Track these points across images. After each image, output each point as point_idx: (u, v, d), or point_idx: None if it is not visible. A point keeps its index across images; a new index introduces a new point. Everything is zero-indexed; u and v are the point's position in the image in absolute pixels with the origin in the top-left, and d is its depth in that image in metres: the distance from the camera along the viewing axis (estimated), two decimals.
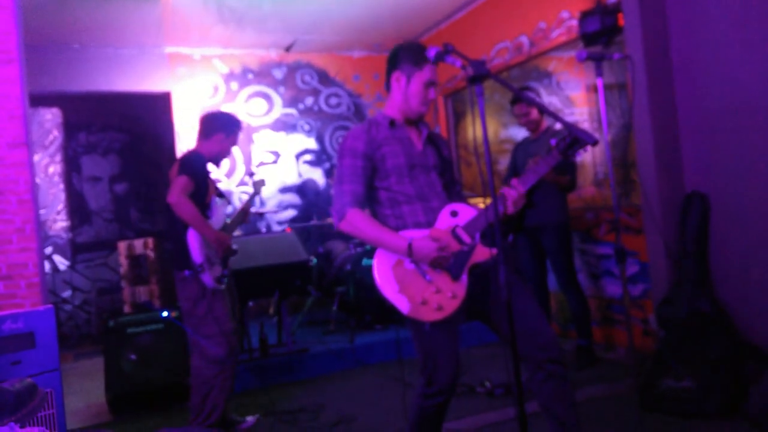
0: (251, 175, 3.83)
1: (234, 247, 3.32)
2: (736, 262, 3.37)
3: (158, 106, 6.33)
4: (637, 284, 4.09)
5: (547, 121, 4.10)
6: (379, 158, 2.30)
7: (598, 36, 3.98)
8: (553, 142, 2.21)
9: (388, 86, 2.39)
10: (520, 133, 5.36)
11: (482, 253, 2.21)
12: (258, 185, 3.68)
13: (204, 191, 3.19)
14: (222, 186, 6.32)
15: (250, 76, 6.59)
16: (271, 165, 6.58)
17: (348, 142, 2.32)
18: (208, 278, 3.07)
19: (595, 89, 4.40)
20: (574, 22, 4.39)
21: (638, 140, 3.68)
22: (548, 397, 2.20)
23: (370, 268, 4.91)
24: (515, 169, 4.17)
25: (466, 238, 2.22)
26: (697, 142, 3.55)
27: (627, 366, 3.79)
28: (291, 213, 6.67)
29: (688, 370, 3.05)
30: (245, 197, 6.50)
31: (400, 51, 2.34)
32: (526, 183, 2.21)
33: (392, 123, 2.35)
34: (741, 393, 2.87)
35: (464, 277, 2.19)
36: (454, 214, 2.26)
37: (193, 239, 3.05)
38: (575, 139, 2.16)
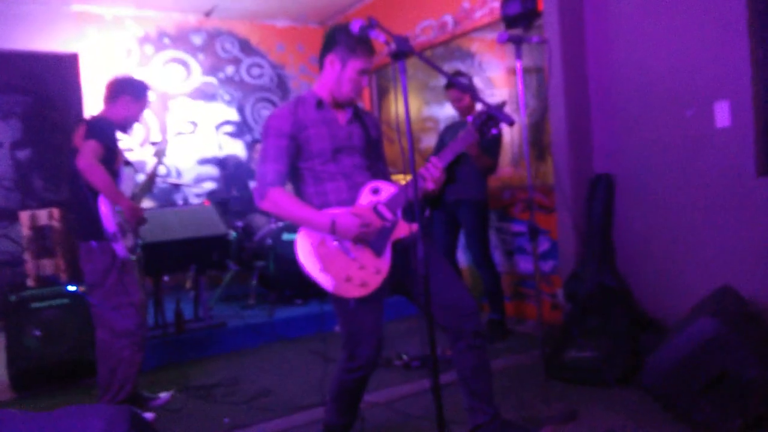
0: (153, 143, 3.68)
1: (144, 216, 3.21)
2: (638, 240, 3.60)
3: (65, 67, 5.93)
4: (548, 260, 4.29)
5: (479, 105, 4.17)
6: (304, 140, 2.29)
7: (518, 19, 4.08)
8: (469, 119, 2.29)
9: (321, 65, 2.36)
10: (442, 112, 5.44)
11: (404, 229, 2.25)
12: (160, 153, 3.52)
13: (113, 158, 3.04)
14: (135, 155, 6.05)
15: (167, 40, 6.29)
16: (189, 135, 6.35)
17: (274, 121, 2.29)
18: (121, 248, 2.96)
19: (514, 72, 4.51)
20: (497, 4, 4.47)
21: (552, 122, 3.82)
22: (466, 368, 2.30)
23: (290, 243, 4.88)
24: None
25: (388, 215, 2.25)
26: (606, 126, 3.73)
27: (536, 338, 3.97)
28: (210, 185, 6.49)
29: (592, 342, 3.24)
30: (162, 169, 6.25)
31: (337, 34, 2.29)
32: (443, 159, 2.28)
33: (320, 103, 2.33)
34: (639, 363, 3.09)
35: (387, 253, 2.23)
36: (375, 191, 2.29)
37: (104, 207, 2.92)
38: (489, 116, 2.25)
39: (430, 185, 2.24)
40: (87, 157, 2.85)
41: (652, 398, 2.61)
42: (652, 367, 2.55)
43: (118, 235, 2.94)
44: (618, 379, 3.06)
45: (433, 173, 2.23)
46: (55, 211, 5.41)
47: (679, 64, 3.28)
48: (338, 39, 2.28)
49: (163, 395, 3.38)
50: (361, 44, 2.24)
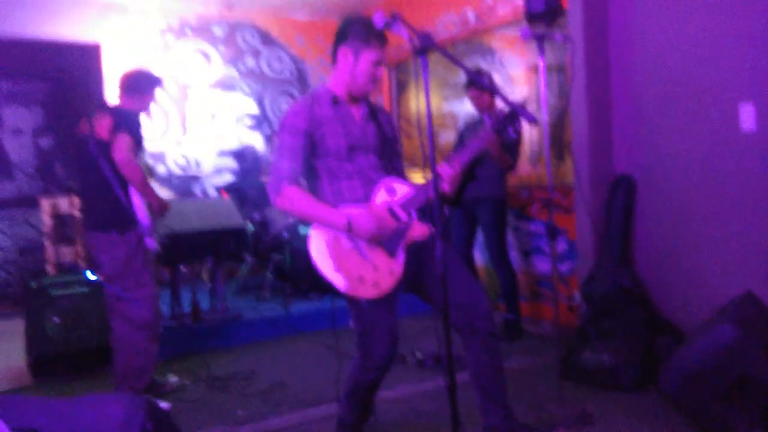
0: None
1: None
2: (657, 243, 3.55)
3: (87, 57, 5.98)
4: (565, 261, 4.25)
5: (498, 103, 4.14)
6: (320, 137, 2.27)
7: (542, 16, 4.02)
8: (487, 119, 2.27)
9: (334, 59, 2.35)
10: (462, 108, 5.41)
11: (418, 230, 2.24)
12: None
13: (140, 152, 3.09)
14: (156, 146, 6.10)
15: (188, 31, 6.32)
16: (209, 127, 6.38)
17: (289, 118, 2.28)
18: (151, 241, 3.02)
19: (535, 69, 4.47)
20: (520, 1, 4.42)
21: (574, 122, 3.78)
22: (479, 368, 2.29)
23: (307, 237, 4.88)
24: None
25: (403, 216, 2.24)
26: (627, 126, 3.68)
27: (551, 339, 3.95)
28: (228, 178, 6.52)
29: (608, 344, 3.21)
30: (181, 160, 6.29)
31: (350, 25, 2.27)
32: (460, 161, 2.25)
33: (335, 100, 2.32)
34: (655, 367, 3.05)
35: (400, 254, 2.21)
36: (390, 190, 2.28)
37: (138, 201, 2.97)
38: (507, 116, 2.23)
39: (446, 187, 2.21)
40: (123, 150, 2.88)
41: (670, 403, 2.58)
42: (671, 372, 2.52)
43: (151, 228, 3.00)
44: (634, 384, 3.03)
45: (449, 174, 2.21)
46: (76, 200, 5.47)
47: (704, 65, 3.21)
48: (351, 30, 2.26)
49: (173, 379, 3.42)
50: (374, 35, 2.22)
